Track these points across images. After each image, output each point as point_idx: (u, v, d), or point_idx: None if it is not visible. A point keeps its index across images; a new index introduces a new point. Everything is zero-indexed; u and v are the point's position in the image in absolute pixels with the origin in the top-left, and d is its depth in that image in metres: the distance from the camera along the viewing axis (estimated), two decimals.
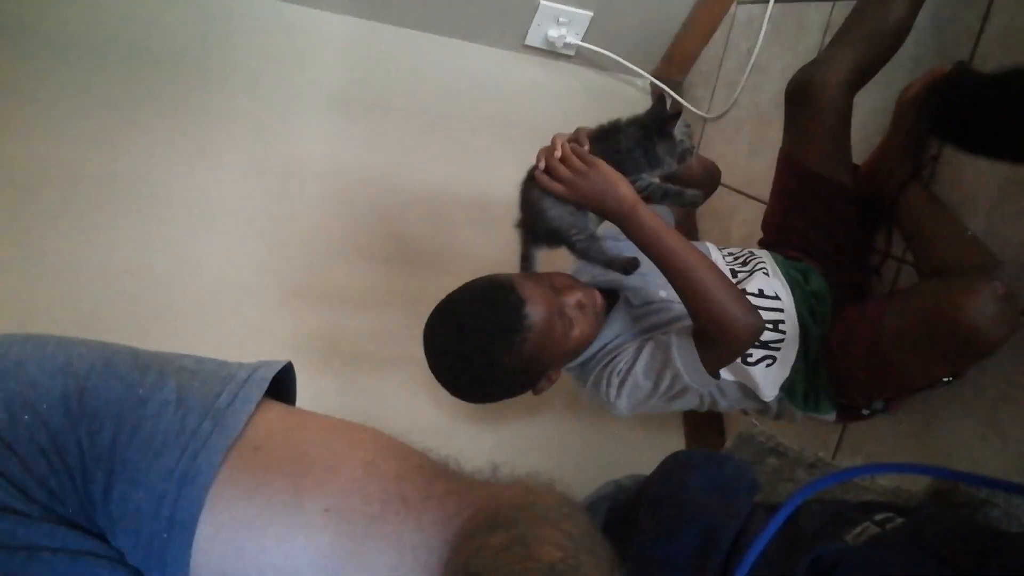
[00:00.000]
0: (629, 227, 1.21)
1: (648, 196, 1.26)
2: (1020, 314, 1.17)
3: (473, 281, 1.31)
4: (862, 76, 1.39)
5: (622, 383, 1.28)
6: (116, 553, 0.50)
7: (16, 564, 0.47)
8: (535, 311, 1.21)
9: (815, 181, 1.44)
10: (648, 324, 1.37)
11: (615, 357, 1.32)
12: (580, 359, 1.37)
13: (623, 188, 1.19)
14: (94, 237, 1.64)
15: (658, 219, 1.21)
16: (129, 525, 0.49)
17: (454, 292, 1.31)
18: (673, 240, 1.21)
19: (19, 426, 0.49)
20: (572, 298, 1.28)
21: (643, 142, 1.24)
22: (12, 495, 0.48)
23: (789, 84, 1.44)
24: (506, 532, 0.48)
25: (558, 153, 1.25)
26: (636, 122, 1.26)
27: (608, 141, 1.26)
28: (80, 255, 1.61)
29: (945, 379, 1.28)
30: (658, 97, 1.34)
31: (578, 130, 1.30)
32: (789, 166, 1.50)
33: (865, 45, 1.37)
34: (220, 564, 0.50)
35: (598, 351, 1.37)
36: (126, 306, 1.59)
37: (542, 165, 1.26)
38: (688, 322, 1.28)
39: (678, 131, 1.24)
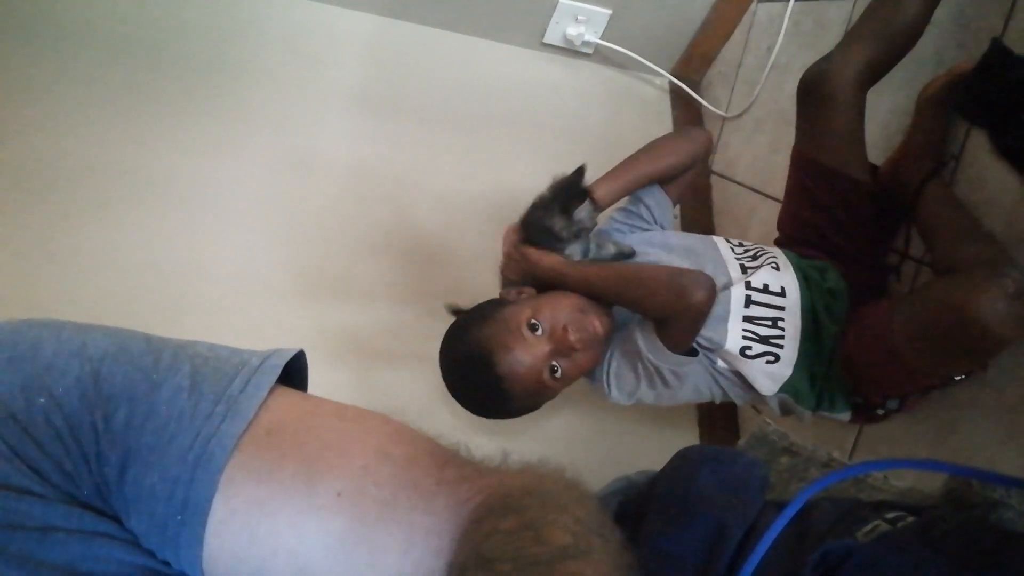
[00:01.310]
0: (565, 285, 1.34)
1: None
2: None
3: (457, 338, 1.35)
4: (875, 73, 1.38)
5: (607, 371, 1.34)
6: (130, 535, 0.51)
7: (32, 544, 0.48)
8: (514, 382, 1.26)
9: (829, 176, 1.43)
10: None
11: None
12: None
13: (545, 262, 1.35)
14: (113, 231, 1.66)
15: (585, 268, 1.34)
16: (143, 508, 0.50)
17: (448, 342, 1.37)
18: (601, 271, 1.32)
19: (35, 409, 0.50)
20: (567, 341, 1.26)
21: (544, 220, 1.37)
22: (28, 477, 0.49)
23: (801, 80, 1.43)
24: (517, 517, 0.49)
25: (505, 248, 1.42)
26: (542, 202, 1.39)
27: (530, 220, 1.40)
28: (99, 249, 1.63)
29: (958, 377, 1.27)
30: (576, 170, 1.38)
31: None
32: (803, 163, 1.49)
33: (878, 42, 1.35)
34: (233, 547, 0.50)
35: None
36: (144, 299, 1.61)
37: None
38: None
39: (579, 213, 1.35)
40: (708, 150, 1.55)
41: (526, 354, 1.25)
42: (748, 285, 1.38)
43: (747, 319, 1.36)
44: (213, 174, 1.80)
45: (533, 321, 1.27)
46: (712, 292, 1.26)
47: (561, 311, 1.29)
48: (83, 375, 0.52)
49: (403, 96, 2.09)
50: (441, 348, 1.37)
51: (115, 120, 1.77)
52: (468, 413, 1.39)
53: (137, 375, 0.53)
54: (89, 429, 0.50)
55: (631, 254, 1.41)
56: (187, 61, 1.89)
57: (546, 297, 1.34)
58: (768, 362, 1.36)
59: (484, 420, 1.43)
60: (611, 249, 1.41)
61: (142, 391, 0.52)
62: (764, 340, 1.36)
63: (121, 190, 1.70)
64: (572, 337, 1.25)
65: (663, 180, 1.51)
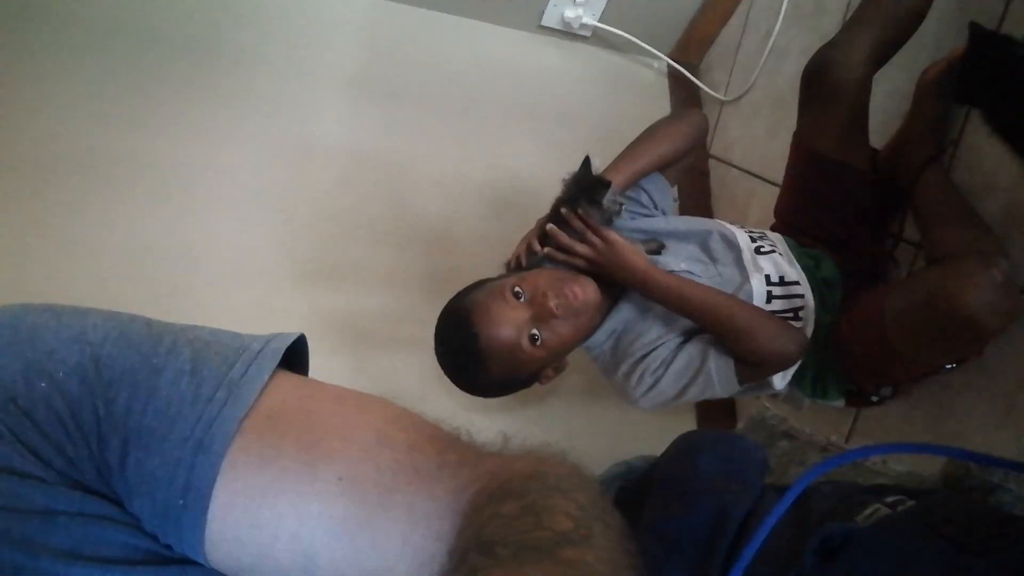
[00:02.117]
0: (647, 291, 1.31)
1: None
2: (1020, 298, 1.17)
3: (447, 305, 1.36)
4: (880, 58, 1.37)
5: (651, 387, 1.30)
6: (132, 519, 0.51)
7: (34, 528, 0.48)
8: (490, 342, 1.25)
9: (831, 167, 1.43)
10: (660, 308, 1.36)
11: (646, 355, 1.32)
12: (593, 342, 1.38)
13: (634, 259, 1.30)
14: (111, 217, 1.66)
15: (674, 277, 1.30)
16: (145, 491, 0.50)
17: (442, 311, 1.37)
18: (695, 291, 1.29)
19: (36, 394, 0.50)
20: (546, 306, 1.25)
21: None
22: (30, 461, 0.48)
23: (806, 68, 1.42)
24: (518, 501, 0.49)
25: (563, 238, 1.35)
26: (567, 199, 1.38)
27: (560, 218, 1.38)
28: (97, 235, 1.63)
29: (949, 365, 1.28)
30: (583, 163, 1.38)
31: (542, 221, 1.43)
32: (804, 151, 1.48)
33: (883, 27, 1.34)
34: (235, 531, 0.50)
35: (610, 337, 1.37)
36: (143, 285, 1.61)
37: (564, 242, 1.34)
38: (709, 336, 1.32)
39: (607, 200, 1.34)
40: (705, 132, 1.54)
41: (504, 317, 1.25)
42: (768, 280, 1.38)
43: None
44: (209, 159, 1.79)
45: (517, 289, 1.27)
46: (805, 348, 1.29)
47: (543, 278, 1.30)
48: (84, 359, 0.51)
49: (400, 80, 2.08)
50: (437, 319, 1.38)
51: (110, 105, 1.76)
52: (465, 397, 1.39)
53: (138, 359, 0.53)
54: (90, 413, 0.50)
55: (659, 249, 1.41)
56: (183, 45, 1.88)
57: (533, 271, 1.35)
58: None
59: (482, 403, 1.43)
60: (640, 246, 1.40)
61: (143, 375, 0.52)
62: None
63: (117, 175, 1.69)
64: (551, 303, 1.24)
65: (663, 167, 1.50)
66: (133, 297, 1.56)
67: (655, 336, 1.34)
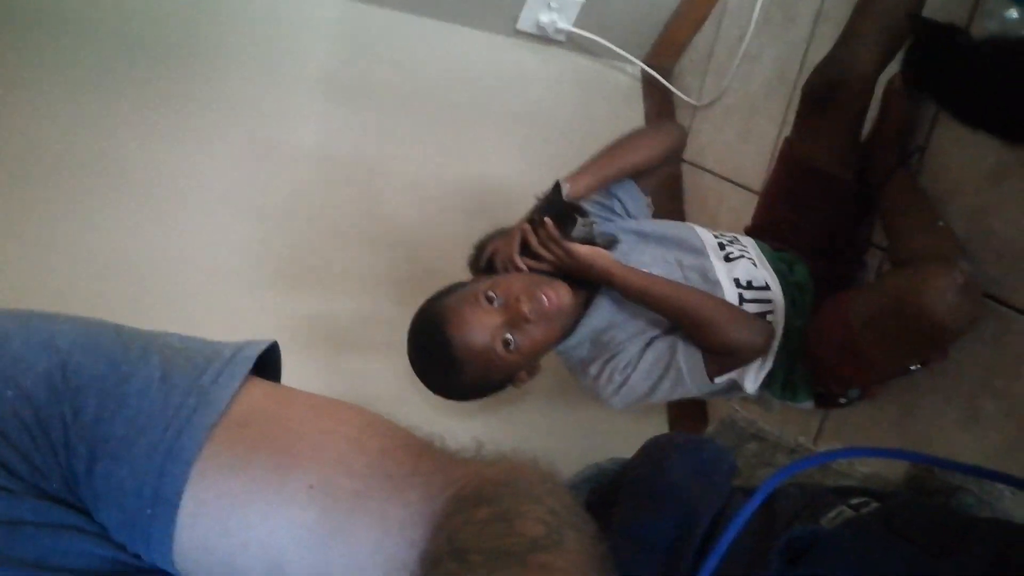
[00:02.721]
0: (617, 288, 1.32)
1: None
2: (982, 302, 1.19)
3: (420, 309, 1.36)
4: (882, 67, 1.38)
5: (621, 385, 1.31)
6: (100, 528, 0.50)
7: None
8: (463, 347, 1.25)
9: (822, 178, 1.44)
10: (634, 307, 1.37)
11: (615, 355, 1.33)
12: (566, 346, 1.38)
13: (600, 260, 1.31)
14: (80, 220, 1.63)
15: (641, 274, 1.32)
16: (113, 501, 0.49)
17: (415, 315, 1.36)
18: (663, 286, 1.31)
19: (2, 401, 0.49)
20: (519, 311, 1.26)
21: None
22: None
23: (810, 83, 1.43)
24: (490, 508, 0.49)
25: (534, 240, 1.36)
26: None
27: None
28: (66, 238, 1.60)
29: (913, 367, 1.30)
30: (553, 188, 1.39)
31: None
32: (794, 160, 1.49)
33: (883, 38, 1.35)
34: (204, 540, 0.50)
35: (584, 340, 1.38)
36: (112, 288, 1.59)
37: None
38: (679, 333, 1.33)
39: (577, 231, 1.37)
40: (683, 145, 1.55)
41: (477, 322, 1.25)
42: (738, 283, 1.39)
43: None
44: (181, 162, 1.77)
45: (490, 293, 1.27)
46: (772, 338, 1.32)
47: (517, 283, 1.30)
48: (52, 367, 0.51)
49: (374, 83, 2.08)
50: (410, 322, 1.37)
51: (81, 108, 1.73)
52: (439, 400, 1.39)
53: (107, 367, 0.52)
54: (58, 421, 0.50)
55: (613, 243, 1.42)
56: (155, 49, 1.86)
57: (506, 275, 1.35)
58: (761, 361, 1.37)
59: (456, 406, 1.43)
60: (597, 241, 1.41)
61: (112, 383, 0.51)
62: None
63: (88, 178, 1.67)
64: (524, 308, 1.25)
65: (637, 174, 1.51)
66: (103, 300, 1.54)
67: (624, 337, 1.35)
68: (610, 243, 1.41)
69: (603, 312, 1.37)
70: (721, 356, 1.29)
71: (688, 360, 1.29)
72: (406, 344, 1.36)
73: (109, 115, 1.74)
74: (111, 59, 1.80)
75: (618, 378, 1.31)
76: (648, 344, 1.33)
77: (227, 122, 1.86)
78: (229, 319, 1.64)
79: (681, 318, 1.30)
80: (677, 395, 1.35)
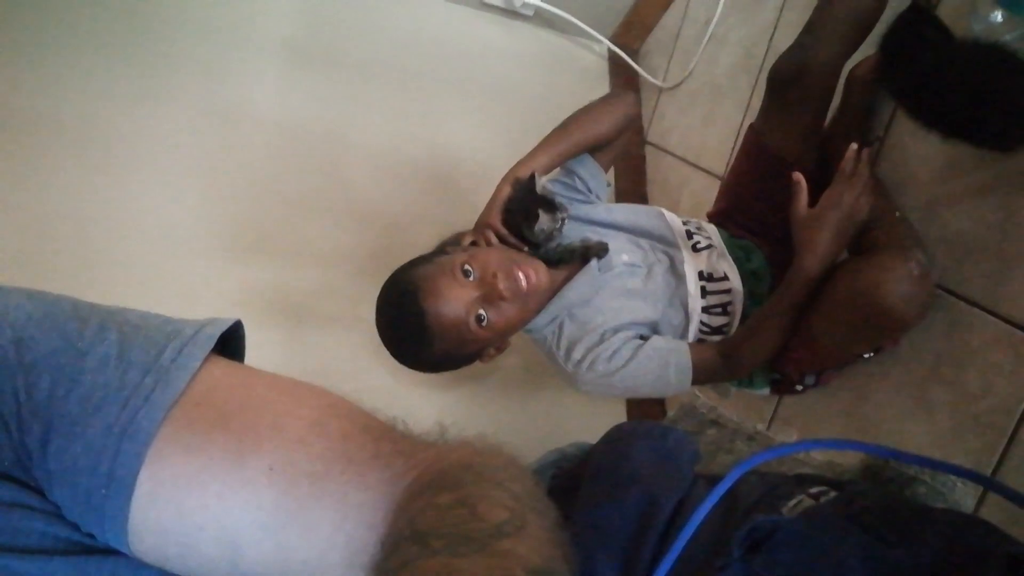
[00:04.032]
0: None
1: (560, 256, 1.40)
2: (936, 293, 1.22)
3: (393, 275, 1.34)
4: (847, 55, 1.39)
5: (602, 375, 1.31)
6: (53, 507, 0.49)
7: None
8: (436, 319, 1.24)
9: (782, 165, 1.43)
10: (612, 289, 1.38)
11: (600, 343, 1.33)
12: (536, 324, 1.38)
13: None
14: (30, 181, 1.57)
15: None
16: (66, 479, 0.48)
17: (386, 282, 1.34)
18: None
19: None
20: (495, 288, 1.25)
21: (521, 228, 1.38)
22: None
23: (775, 70, 1.42)
24: (452, 492, 0.49)
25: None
26: (512, 213, 1.39)
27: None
28: (15, 200, 1.54)
29: (866, 355, 1.33)
30: (529, 180, 1.38)
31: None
32: (759, 147, 1.50)
33: (849, 27, 1.35)
34: (160, 520, 0.49)
35: (556, 316, 1.37)
36: (63, 254, 1.53)
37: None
38: (672, 341, 1.35)
39: (540, 225, 1.37)
40: (636, 115, 1.54)
41: (452, 295, 1.24)
42: (701, 275, 1.40)
43: (704, 310, 1.39)
44: (136, 123, 1.72)
45: (467, 267, 1.26)
46: None
47: (494, 259, 1.29)
48: (4, 342, 0.49)
49: (337, 49, 2.03)
50: (381, 288, 1.35)
51: (32, 65, 1.66)
52: (402, 376, 1.37)
53: (62, 342, 0.51)
54: (10, 397, 0.48)
55: (603, 252, 1.41)
56: (110, 4, 1.79)
57: (484, 249, 1.34)
58: None
59: (420, 381, 1.42)
60: (577, 244, 1.42)
61: (67, 359, 0.50)
62: (716, 330, 1.39)
63: (37, 138, 1.61)
64: (501, 285, 1.24)
65: (593, 148, 1.50)
66: (53, 268, 1.49)
67: (601, 321, 1.35)
68: (600, 251, 1.41)
69: (576, 294, 1.37)
70: (728, 377, 1.36)
71: (679, 374, 1.31)
72: (375, 312, 1.34)
73: (62, 73, 1.68)
74: (64, 14, 1.73)
75: (600, 368, 1.30)
76: (639, 347, 1.33)
77: (185, 84, 1.81)
78: (183, 287, 1.61)
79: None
80: (645, 395, 1.36)
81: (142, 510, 0.48)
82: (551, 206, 1.36)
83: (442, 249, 1.39)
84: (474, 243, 1.37)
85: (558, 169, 1.48)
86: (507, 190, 1.37)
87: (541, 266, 1.32)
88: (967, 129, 1.13)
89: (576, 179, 1.49)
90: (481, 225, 1.38)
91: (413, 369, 1.37)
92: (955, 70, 1.10)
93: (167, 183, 1.70)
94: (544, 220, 1.35)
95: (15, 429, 0.48)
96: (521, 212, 1.35)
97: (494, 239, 1.37)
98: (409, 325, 1.26)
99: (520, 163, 1.39)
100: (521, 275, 1.27)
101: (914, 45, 1.19)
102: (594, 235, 1.43)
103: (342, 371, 1.65)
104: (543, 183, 1.39)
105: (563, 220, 1.37)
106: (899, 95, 1.25)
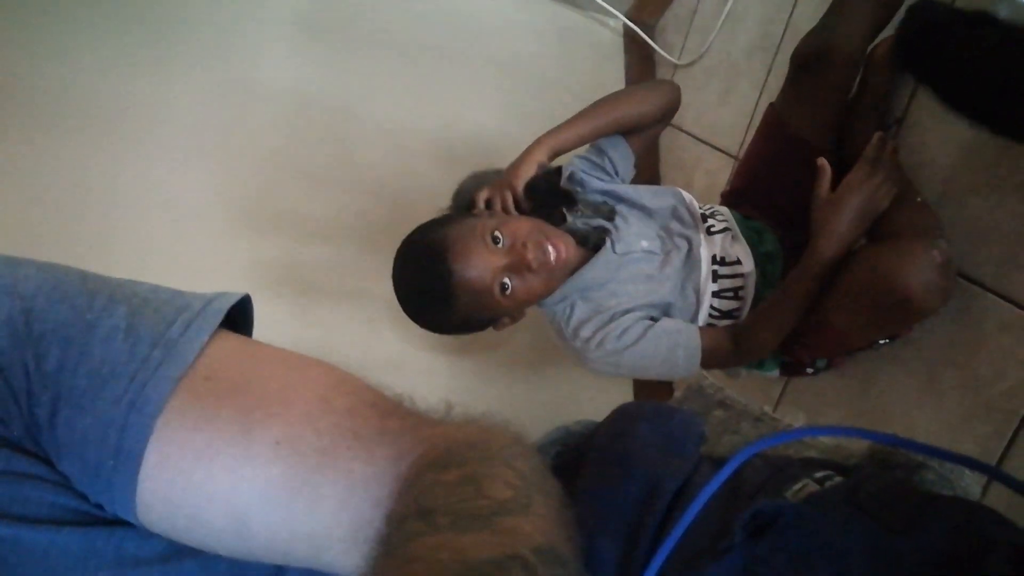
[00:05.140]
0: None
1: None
2: (955, 280, 1.21)
3: (418, 232, 1.32)
4: (872, 38, 1.37)
5: (611, 353, 1.30)
6: (62, 478, 0.50)
7: None
8: (462, 281, 1.23)
9: (804, 147, 1.42)
10: (627, 274, 1.37)
11: (610, 321, 1.32)
12: (550, 300, 1.37)
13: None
14: (39, 153, 1.57)
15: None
16: (75, 451, 0.49)
17: (406, 238, 1.32)
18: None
19: None
20: (524, 257, 1.25)
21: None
22: None
23: (799, 51, 1.40)
24: (458, 470, 0.49)
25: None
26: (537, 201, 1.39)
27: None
28: (23, 172, 1.54)
29: (882, 340, 1.32)
30: (556, 171, 1.39)
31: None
32: (779, 128, 1.48)
33: (874, 8, 1.33)
34: (167, 493, 0.49)
35: (570, 295, 1.37)
36: (68, 226, 1.54)
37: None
38: (682, 324, 1.35)
39: (570, 218, 1.38)
40: (678, 104, 1.52)
41: (481, 259, 1.23)
42: (714, 259, 1.39)
43: (715, 294, 1.38)
44: (146, 97, 1.71)
45: (496, 233, 1.25)
46: None
47: (524, 229, 1.28)
48: (14, 313, 0.49)
49: (349, 23, 2.02)
50: (401, 243, 1.34)
51: (45, 39, 1.66)
52: (407, 346, 1.37)
53: (71, 314, 0.51)
54: (20, 368, 0.48)
55: (611, 214, 1.41)
56: None
57: (515, 216, 1.33)
58: None
59: (422, 358, 1.42)
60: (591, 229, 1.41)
61: (76, 331, 0.50)
62: (726, 314, 1.38)
63: (50, 112, 1.60)
64: (529, 255, 1.24)
65: (632, 129, 1.48)
66: (60, 241, 1.49)
67: (614, 304, 1.34)
68: (609, 212, 1.40)
69: (597, 271, 1.36)
70: (737, 361, 1.35)
71: (688, 358, 1.30)
72: (395, 259, 1.33)
73: (74, 47, 1.67)
74: None
75: (609, 346, 1.30)
76: (649, 327, 1.32)
77: (196, 56, 1.80)
78: (192, 261, 1.61)
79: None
80: (653, 376, 1.36)
81: (150, 481, 0.49)
82: (571, 203, 1.36)
83: (468, 210, 1.38)
84: (488, 202, 1.36)
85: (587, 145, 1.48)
86: (539, 157, 1.36)
87: (571, 240, 1.32)
88: (994, 117, 1.11)
89: (606, 159, 1.48)
90: (503, 184, 1.37)
91: (425, 328, 1.37)
92: (985, 53, 1.07)
93: (177, 157, 1.70)
94: (569, 219, 1.37)
95: (24, 400, 0.48)
96: (541, 201, 1.35)
97: (510, 203, 1.35)
98: (434, 285, 1.25)
99: (556, 130, 1.39)
100: (551, 247, 1.27)
101: (937, 33, 1.17)
102: (619, 212, 1.42)
103: (350, 347, 1.65)
104: (568, 175, 1.39)
105: (580, 214, 1.38)
106: (927, 81, 1.23)
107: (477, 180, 1.43)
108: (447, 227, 1.28)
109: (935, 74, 1.17)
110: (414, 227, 1.35)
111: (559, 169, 1.36)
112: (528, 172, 1.36)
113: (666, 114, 1.51)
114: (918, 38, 1.21)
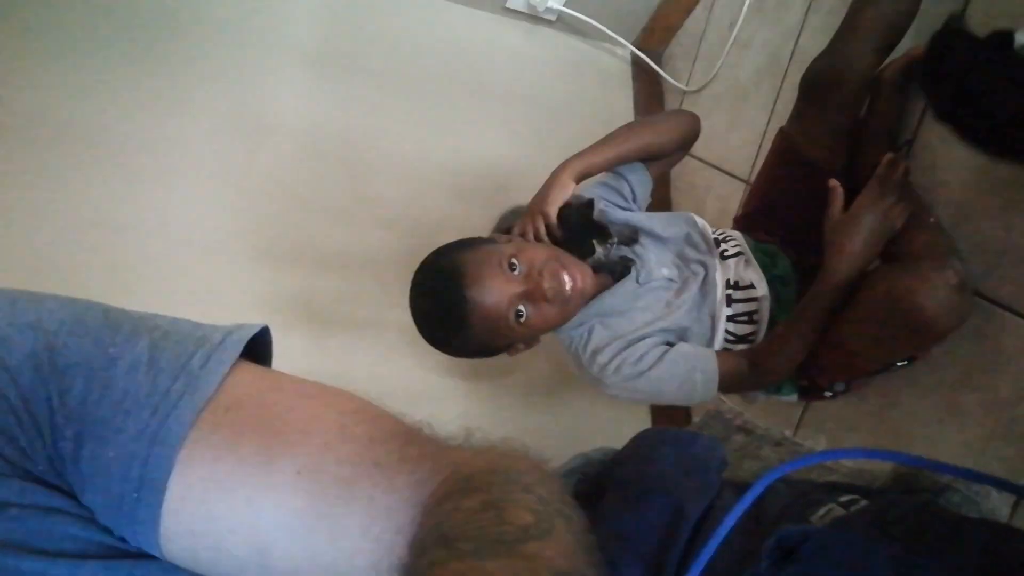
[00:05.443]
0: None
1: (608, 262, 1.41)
2: (973, 301, 1.20)
3: (436, 255, 1.32)
4: (883, 60, 1.37)
5: (628, 378, 1.30)
6: (86, 511, 0.50)
7: None
8: (477, 307, 1.23)
9: (816, 171, 1.42)
10: (646, 301, 1.37)
11: (628, 346, 1.32)
12: (567, 327, 1.37)
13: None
14: (58, 188, 1.60)
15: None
16: (99, 484, 0.49)
17: (424, 261, 1.33)
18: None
19: None
20: (540, 287, 1.25)
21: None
22: None
23: (808, 75, 1.41)
24: (479, 496, 0.48)
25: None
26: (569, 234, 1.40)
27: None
28: (43, 206, 1.57)
29: (900, 363, 1.31)
30: (587, 204, 1.40)
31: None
32: (790, 152, 1.48)
33: (883, 32, 1.33)
34: (190, 524, 0.49)
35: (587, 322, 1.37)
36: (91, 260, 1.56)
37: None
38: (699, 348, 1.34)
39: (600, 252, 1.39)
40: (698, 133, 1.53)
41: (496, 286, 1.23)
42: (728, 283, 1.39)
43: (729, 319, 1.38)
44: (163, 131, 1.74)
45: (513, 260, 1.25)
46: None
47: (541, 257, 1.28)
48: (38, 347, 0.50)
49: (361, 57, 2.05)
50: (420, 265, 1.34)
51: (57, 72, 1.69)
52: (424, 375, 1.37)
53: (94, 348, 0.51)
54: (44, 402, 0.49)
55: (633, 237, 1.43)
56: (135, 13, 1.81)
57: (533, 244, 1.33)
58: None
59: (441, 381, 1.41)
60: (617, 259, 1.42)
61: (99, 365, 0.51)
62: (741, 339, 1.38)
63: (69, 146, 1.63)
64: (545, 284, 1.24)
65: (653, 156, 1.49)
66: (80, 274, 1.51)
67: (631, 330, 1.34)
68: (631, 235, 1.40)
69: (617, 300, 1.36)
70: (755, 386, 1.35)
71: (706, 383, 1.30)
72: (412, 281, 1.33)
73: (91, 82, 1.71)
74: (94, 25, 1.76)
75: (626, 371, 1.30)
76: (665, 352, 1.32)
77: (212, 91, 1.83)
78: (211, 293, 1.62)
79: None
80: (670, 402, 1.36)
81: (173, 514, 0.49)
82: (604, 235, 1.36)
83: (489, 237, 1.39)
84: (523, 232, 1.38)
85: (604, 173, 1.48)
86: (566, 181, 1.36)
87: (588, 270, 1.33)
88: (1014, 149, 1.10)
89: (625, 184, 1.49)
90: (535, 212, 1.37)
91: (439, 351, 1.37)
92: (1002, 88, 1.07)
93: (195, 191, 1.72)
94: (599, 251, 1.37)
95: (48, 434, 0.48)
96: (573, 233, 1.36)
97: (543, 231, 1.36)
98: (449, 309, 1.25)
99: (581, 154, 1.39)
100: (567, 277, 1.27)
101: (955, 65, 1.16)
102: (639, 241, 1.43)
103: (368, 375, 1.65)
104: (600, 208, 1.40)
105: (613, 246, 1.38)
106: (945, 116, 1.22)
107: (517, 214, 1.44)
108: (465, 251, 1.29)
109: (956, 108, 1.16)
110: (419, 262, 1.36)
111: (591, 201, 1.37)
112: (560, 198, 1.37)
113: (686, 143, 1.52)
114: (941, 71, 1.21)
